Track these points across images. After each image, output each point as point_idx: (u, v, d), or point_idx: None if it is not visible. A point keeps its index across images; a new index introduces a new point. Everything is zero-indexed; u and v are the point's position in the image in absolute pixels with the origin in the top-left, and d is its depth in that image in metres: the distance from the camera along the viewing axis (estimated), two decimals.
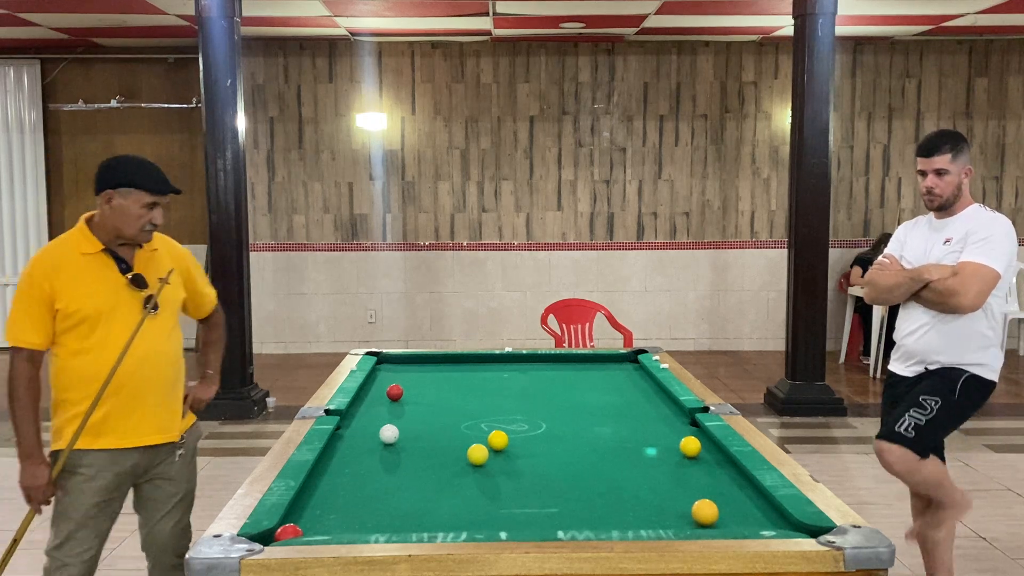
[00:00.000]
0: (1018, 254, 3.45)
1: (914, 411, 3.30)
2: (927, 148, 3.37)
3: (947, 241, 3.36)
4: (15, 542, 3.04)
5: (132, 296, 2.84)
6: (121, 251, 2.87)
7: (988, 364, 3.37)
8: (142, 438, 2.86)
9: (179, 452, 2.96)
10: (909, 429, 3.28)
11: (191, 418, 3.07)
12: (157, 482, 2.96)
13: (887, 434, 3.32)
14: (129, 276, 2.84)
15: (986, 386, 3.39)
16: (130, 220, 2.80)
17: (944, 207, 3.39)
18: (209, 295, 3.19)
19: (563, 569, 1.77)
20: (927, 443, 3.32)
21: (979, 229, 3.30)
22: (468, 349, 4.83)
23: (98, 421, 2.81)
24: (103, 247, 2.84)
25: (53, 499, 2.96)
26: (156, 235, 2.96)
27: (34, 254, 3.01)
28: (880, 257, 3.61)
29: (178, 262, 3.02)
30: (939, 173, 3.34)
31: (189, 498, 3.04)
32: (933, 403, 3.30)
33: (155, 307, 2.84)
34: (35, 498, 2.96)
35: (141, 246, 2.90)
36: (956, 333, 3.34)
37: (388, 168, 9.28)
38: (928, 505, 3.46)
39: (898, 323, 3.55)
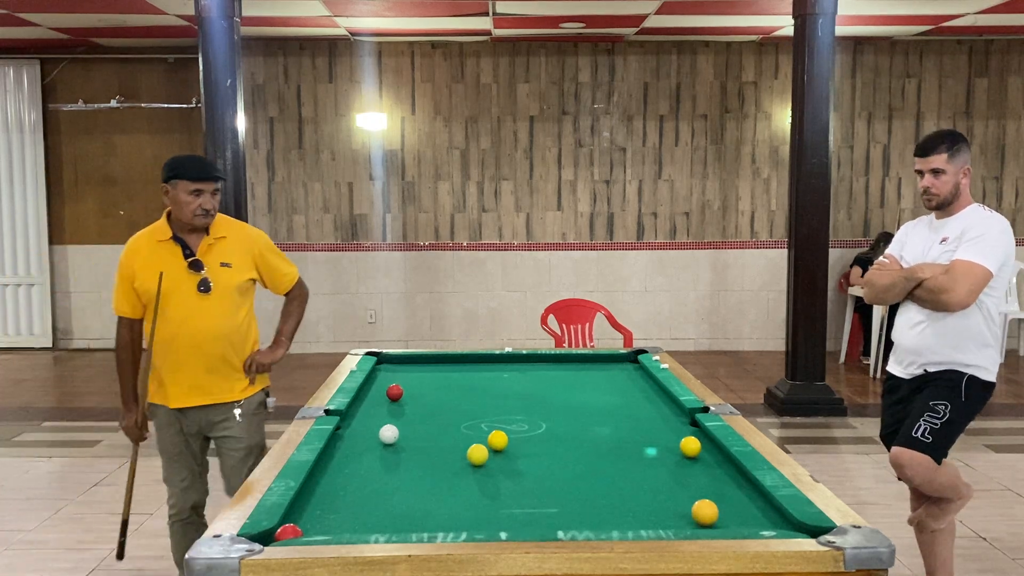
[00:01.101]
0: (1018, 254, 3.44)
1: (928, 416, 3.30)
2: (923, 148, 3.39)
3: (944, 240, 3.37)
4: (133, 472, 3.58)
5: (190, 278, 3.31)
6: (189, 239, 3.35)
7: (985, 366, 3.37)
8: (190, 400, 3.37)
9: (237, 412, 3.44)
10: (926, 434, 3.28)
11: (262, 382, 3.58)
12: (223, 438, 3.45)
13: (905, 442, 3.32)
14: (189, 260, 3.31)
15: (986, 387, 3.40)
16: (182, 207, 3.27)
17: (942, 206, 3.40)
18: (287, 273, 3.59)
19: (563, 569, 1.77)
20: (944, 447, 3.33)
21: (974, 228, 3.31)
22: (468, 349, 4.83)
23: (159, 383, 3.40)
24: (172, 235, 3.34)
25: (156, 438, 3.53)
26: (229, 223, 3.48)
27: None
28: (881, 257, 3.62)
29: (250, 246, 3.46)
30: (935, 173, 3.35)
31: (255, 452, 3.50)
32: (944, 407, 3.30)
33: (207, 288, 3.30)
34: (129, 436, 3.55)
35: (208, 233, 3.36)
36: (951, 331, 3.34)
37: (388, 168, 9.28)
38: (930, 497, 3.45)
39: (895, 321, 3.56)
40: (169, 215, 3.36)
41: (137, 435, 3.50)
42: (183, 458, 3.48)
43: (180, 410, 3.39)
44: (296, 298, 3.67)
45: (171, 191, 3.28)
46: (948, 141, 3.36)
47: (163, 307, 3.29)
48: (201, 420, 3.41)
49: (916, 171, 3.43)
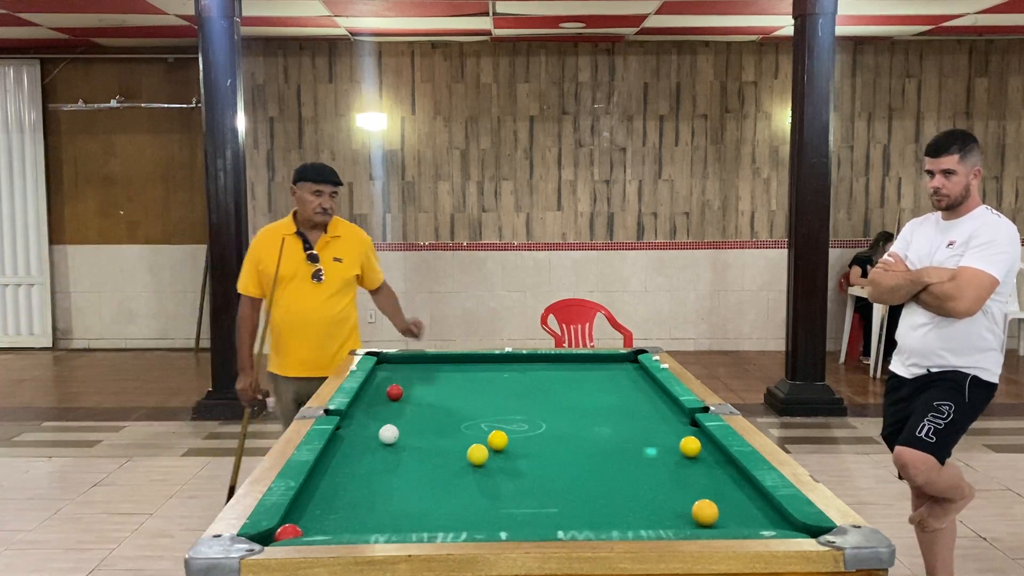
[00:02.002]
0: (1022, 256, 3.44)
1: (932, 416, 3.30)
2: (935, 148, 3.35)
3: (951, 244, 3.35)
4: (243, 439, 3.99)
5: (307, 268, 3.89)
6: (310, 235, 3.93)
7: (988, 368, 3.37)
8: (299, 371, 3.95)
9: None
10: (930, 434, 3.28)
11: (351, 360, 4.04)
12: None
13: (908, 441, 3.31)
14: (308, 253, 3.89)
15: (988, 388, 3.40)
16: (305, 204, 3.89)
17: (951, 207, 3.37)
18: (377, 274, 4.20)
19: (563, 569, 1.77)
20: (947, 447, 3.33)
21: (982, 233, 3.29)
22: (468, 349, 4.82)
23: (278, 355, 4.01)
24: (296, 230, 3.92)
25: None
26: (346, 225, 4.08)
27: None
28: (885, 255, 3.60)
29: (359, 246, 4.07)
30: (947, 174, 3.32)
31: None
32: (948, 407, 3.30)
33: (319, 278, 3.89)
34: (243, 397, 4.04)
35: (326, 231, 3.94)
36: (956, 334, 3.34)
37: (388, 168, 9.28)
38: (931, 496, 3.45)
39: (900, 322, 3.55)
40: (295, 214, 3.97)
41: (251, 396, 4.03)
42: None
43: (293, 379, 3.96)
44: (388, 295, 4.36)
45: (297, 191, 3.90)
46: (960, 142, 3.34)
47: (282, 291, 3.89)
48: (310, 390, 3.60)
49: (926, 171, 3.39)
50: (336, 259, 3.95)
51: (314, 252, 3.90)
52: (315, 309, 3.91)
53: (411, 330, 4.19)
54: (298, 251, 3.90)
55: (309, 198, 3.88)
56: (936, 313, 3.33)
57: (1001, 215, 3.39)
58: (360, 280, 4.13)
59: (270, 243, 3.92)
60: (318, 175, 3.90)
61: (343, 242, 4.00)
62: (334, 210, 3.95)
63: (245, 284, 4.02)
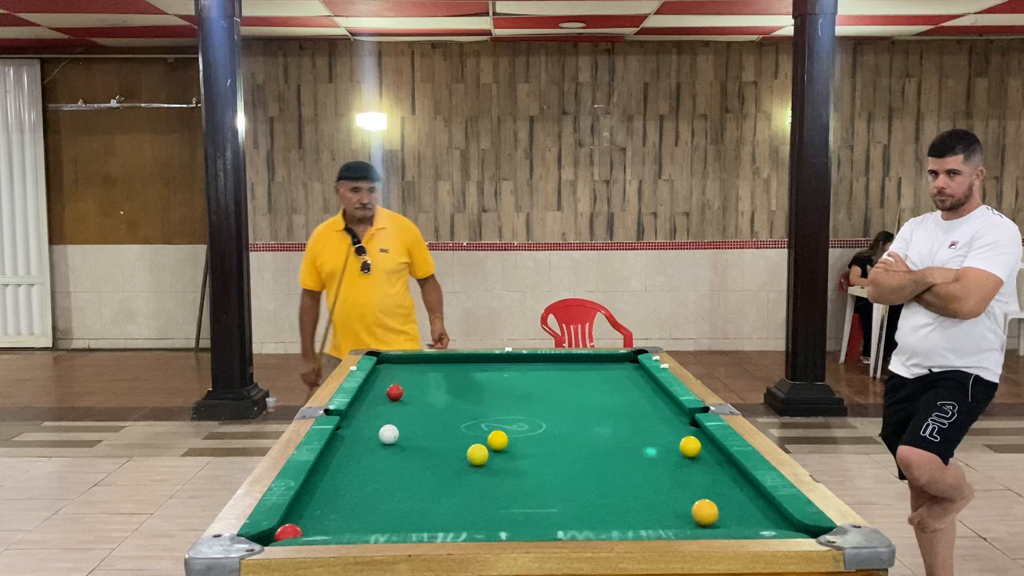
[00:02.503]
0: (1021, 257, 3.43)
1: (936, 416, 3.30)
2: (939, 148, 3.34)
3: (953, 244, 3.34)
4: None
5: (356, 260, 4.23)
6: (357, 229, 4.26)
7: (989, 368, 3.37)
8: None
9: None
10: (934, 433, 3.27)
11: (412, 344, 4.42)
12: None
13: (913, 440, 3.31)
14: (355, 247, 4.22)
15: (990, 387, 3.40)
16: (346, 201, 4.23)
17: (955, 207, 3.37)
18: (426, 265, 4.47)
19: (563, 569, 1.77)
20: (951, 447, 3.33)
21: (985, 234, 3.28)
22: (468, 349, 4.82)
23: (336, 339, 4.34)
24: (345, 226, 4.28)
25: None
26: (391, 216, 4.40)
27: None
28: (885, 255, 3.59)
29: (405, 235, 4.36)
30: (951, 174, 3.32)
31: None
32: (951, 407, 3.30)
33: (367, 269, 4.22)
34: (305, 381, 4.39)
35: (371, 225, 4.26)
36: (958, 335, 3.34)
37: (388, 168, 9.27)
38: (931, 496, 3.45)
39: (900, 322, 3.54)
40: (344, 211, 4.31)
41: (312, 380, 4.35)
42: None
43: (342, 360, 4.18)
44: (433, 289, 4.54)
45: (340, 189, 4.24)
46: (964, 141, 3.33)
47: (337, 282, 4.23)
48: None
49: (930, 171, 3.38)
50: (382, 250, 4.26)
51: (361, 245, 4.23)
52: (366, 298, 4.23)
53: (436, 342, 4.38)
54: (347, 245, 4.24)
55: (349, 195, 4.21)
56: (940, 314, 3.33)
57: (1003, 215, 3.39)
58: (411, 269, 4.42)
59: (323, 240, 4.33)
60: (354, 173, 4.24)
61: (388, 232, 4.30)
62: (374, 204, 4.24)
63: (304, 279, 4.41)
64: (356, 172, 4.24)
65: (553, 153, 9.29)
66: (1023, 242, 3.43)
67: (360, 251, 4.24)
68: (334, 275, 4.25)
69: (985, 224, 3.32)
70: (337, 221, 4.33)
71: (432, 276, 4.54)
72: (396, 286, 4.33)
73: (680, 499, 2.23)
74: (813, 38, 6.51)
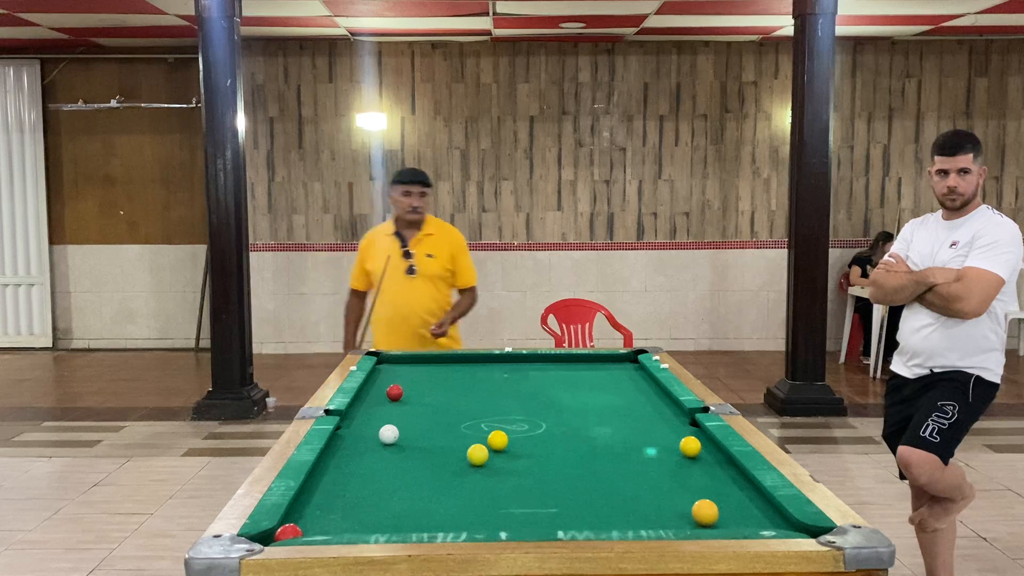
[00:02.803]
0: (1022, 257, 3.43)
1: (936, 416, 3.30)
2: (951, 147, 3.33)
3: (954, 244, 3.34)
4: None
5: (403, 263, 4.40)
6: (406, 234, 4.44)
7: (991, 368, 3.37)
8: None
9: None
10: (934, 434, 3.27)
11: (453, 345, 4.53)
12: None
13: (912, 441, 3.31)
14: (403, 251, 4.40)
15: (991, 388, 3.40)
16: (398, 205, 4.43)
17: (963, 207, 3.37)
18: (465, 277, 4.56)
19: (563, 569, 1.77)
20: (951, 447, 3.32)
21: (986, 234, 3.28)
22: (468, 349, 4.83)
23: (379, 339, 4.50)
24: (395, 230, 4.45)
25: None
26: (439, 224, 4.58)
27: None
28: (886, 256, 3.59)
29: (451, 244, 4.51)
30: (962, 173, 3.31)
31: None
32: (952, 408, 3.30)
33: (413, 272, 4.39)
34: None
35: (420, 229, 4.43)
36: (960, 335, 3.33)
37: (388, 168, 9.27)
38: (932, 497, 3.45)
39: (902, 322, 3.54)
40: (395, 216, 4.49)
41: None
42: None
43: None
44: (467, 297, 4.62)
45: (392, 194, 4.42)
46: (972, 140, 3.34)
47: (384, 284, 4.40)
48: None
49: (939, 171, 3.35)
50: (428, 255, 4.42)
51: (408, 249, 4.41)
52: (411, 301, 4.40)
53: (436, 327, 4.43)
54: (395, 249, 4.42)
55: (400, 199, 4.39)
56: (942, 314, 3.33)
57: (1003, 215, 3.38)
58: (452, 278, 4.53)
59: (375, 243, 4.53)
60: (406, 177, 4.43)
61: (435, 239, 4.47)
62: (424, 209, 4.43)
63: (353, 280, 4.65)
64: (408, 177, 4.43)
65: (553, 153, 9.29)
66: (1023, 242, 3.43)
67: (407, 255, 4.41)
68: (380, 276, 4.42)
69: (986, 224, 3.32)
70: (387, 226, 4.53)
71: (472, 288, 4.62)
72: (440, 291, 4.48)
73: (680, 499, 2.23)
74: (813, 38, 6.51)
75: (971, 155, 3.31)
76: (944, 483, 3.34)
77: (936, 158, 3.38)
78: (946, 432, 3.28)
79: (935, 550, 3.50)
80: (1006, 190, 9.35)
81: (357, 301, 4.67)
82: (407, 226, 4.45)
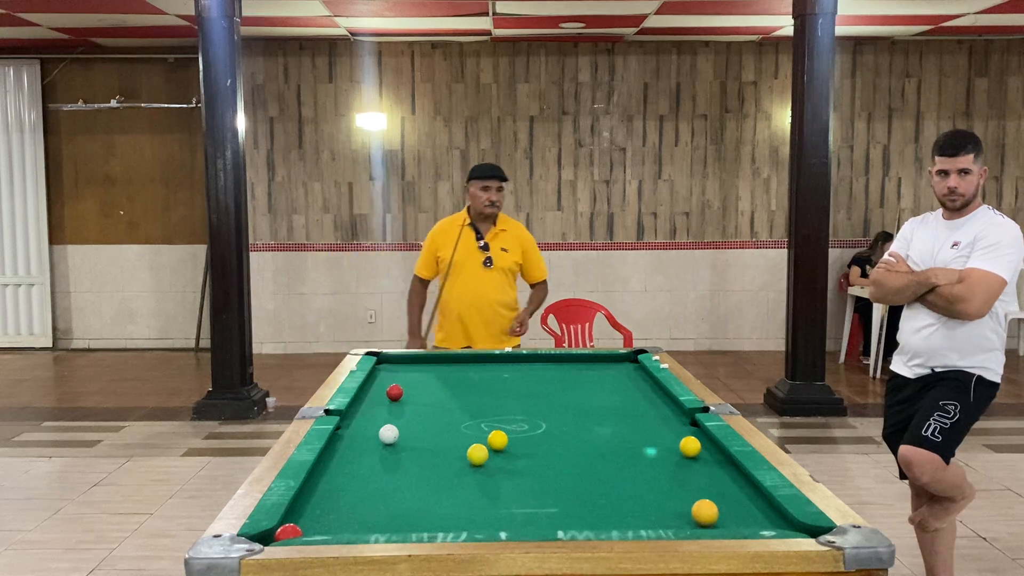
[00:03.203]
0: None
1: (938, 415, 3.29)
2: (952, 147, 3.32)
3: (955, 245, 3.34)
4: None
5: (479, 255, 4.54)
6: (481, 227, 4.60)
7: (992, 367, 3.37)
8: (464, 344, 4.55)
9: None
10: (936, 433, 3.27)
11: (515, 340, 4.64)
12: None
13: (914, 440, 3.31)
14: (480, 243, 4.54)
15: (992, 387, 3.40)
16: (476, 200, 4.55)
17: (963, 207, 3.37)
18: (537, 271, 4.74)
19: (563, 569, 1.77)
20: (952, 447, 3.32)
21: (988, 234, 3.28)
22: (468, 349, 4.82)
23: (448, 330, 4.62)
24: (469, 222, 4.60)
25: None
26: (511, 221, 4.70)
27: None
28: (886, 255, 3.59)
29: (522, 240, 4.68)
30: (963, 173, 3.31)
31: None
32: (954, 407, 3.30)
33: (490, 264, 4.53)
34: None
35: (495, 224, 4.59)
36: (961, 335, 3.33)
37: (388, 168, 9.27)
38: (932, 496, 3.45)
39: (902, 322, 3.54)
40: (468, 208, 4.63)
41: (419, 345, 4.64)
42: None
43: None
44: (539, 291, 4.80)
45: (470, 189, 4.56)
46: (973, 141, 3.34)
47: (457, 274, 4.54)
48: None
49: (940, 171, 3.35)
50: (503, 249, 4.57)
51: (485, 242, 4.55)
52: (485, 292, 4.53)
53: (518, 326, 4.59)
54: (471, 241, 4.56)
55: (479, 194, 4.52)
56: (944, 315, 3.33)
57: (1004, 215, 3.38)
58: (522, 272, 4.70)
59: (447, 233, 4.64)
60: (484, 173, 4.55)
61: (509, 235, 4.63)
62: (501, 203, 4.58)
63: (421, 268, 4.77)
64: (486, 172, 4.56)
65: (553, 153, 9.29)
66: None
67: (484, 247, 4.56)
68: (456, 267, 4.55)
69: (988, 224, 3.31)
70: (461, 217, 4.66)
71: (544, 282, 4.78)
72: (511, 284, 4.63)
73: (680, 499, 2.23)
74: (813, 38, 6.51)
75: (972, 155, 3.31)
76: (946, 483, 3.34)
77: (937, 158, 3.37)
78: (948, 432, 3.28)
79: (935, 550, 3.50)
80: (1006, 190, 9.35)
81: (422, 288, 4.81)
82: (482, 219, 4.59)
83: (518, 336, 4.63)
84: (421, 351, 4.48)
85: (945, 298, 3.27)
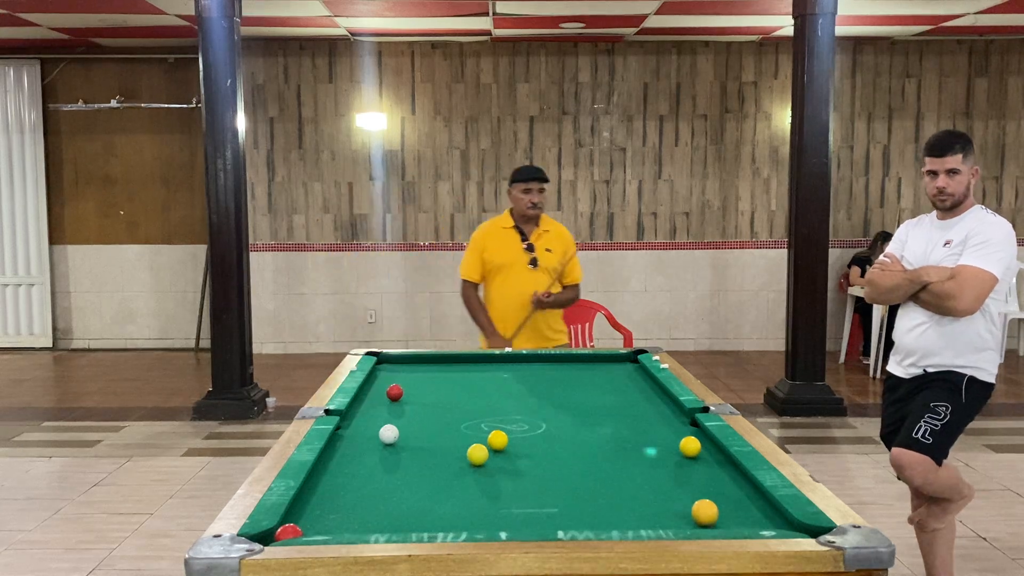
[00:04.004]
0: (1019, 255, 3.45)
1: (928, 417, 3.30)
2: (939, 148, 3.34)
3: (947, 243, 3.36)
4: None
5: (524, 256, 4.62)
6: (525, 228, 4.66)
7: (984, 367, 3.37)
8: (513, 343, 4.58)
9: None
10: (927, 435, 3.27)
11: (559, 340, 4.75)
12: None
13: (905, 442, 3.31)
14: (524, 244, 4.62)
15: (985, 388, 3.39)
16: (518, 201, 4.62)
17: (954, 207, 3.38)
18: (574, 274, 4.77)
19: (563, 569, 1.77)
20: (944, 448, 3.32)
21: (979, 232, 3.29)
22: (468, 349, 4.83)
23: (497, 329, 4.67)
24: (513, 224, 4.67)
25: None
26: (554, 222, 4.78)
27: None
28: (881, 256, 3.61)
29: (564, 242, 4.75)
30: (951, 173, 3.32)
31: None
32: (944, 408, 3.30)
33: (535, 264, 4.61)
34: (494, 344, 4.61)
35: (538, 225, 4.66)
36: (953, 333, 3.34)
37: (388, 168, 9.27)
38: (930, 497, 3.45)
39: (897, 322, 3.55)
40: (511, 210, 4.71)
41: (502, 343, 4.60)
42: None
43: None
44: (572, 291, 4.82)
45: (512, 191, 4.64)
46: (961, 141, 3.35)
47: (505, 275, 4.61)
48: None
49: (929, 171, 3.38)
50: (547, 249, 4.66)
51: (531, 243, 4.63)
52: (530, 292, 4.56)
53: (542, 294, 4.59)
54: (516, 242, 4.64)
55: (520, 196, 4.59)
56: (935, 312, 3.34)
57: (996, 214, 3.40)
58: (561, 273, 4.72)
59: (491, 235, 4.72)
60: (525, 175, 4.63)
61: (552, 236, 4.72)
62: (543, 204, 4.66)
63: (468, 271, 4.77)
64: (527, 175, 4.62)
65: (553, 153, 9.29)
66: (1017, 241, 3.44)
67: (529, 248, 4.64)
68: (503, 268, 4.61)
69: (979, 223, 3.33)
70: (504, 219, 4.73)
71: (576, 286, 4.82)
72: (556, 285, 4.68)
73: (680, 499, 2.23)
74: (813, 38, 6.51)
75: (960, 155, 3.32)
76: (938, 484, 3.34)
77: (925, 159, 3.40)
78: (939, 433, 3.28)
79: (934, 550, 3.51)
80: (1006, 190, 9.35)
81: (474, 290, 4.84)
82: (526, 221, 4.66)
83: (540, 305, 4.61)
84: (422, 352, 4.47)
85: (936, 294, 3.29)
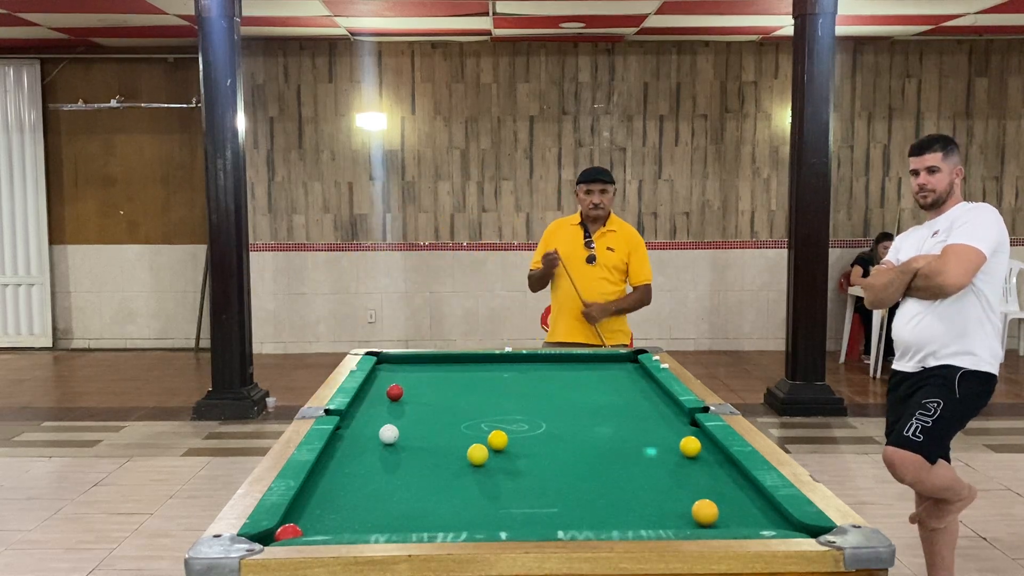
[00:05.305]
0: (1016, 252, 3.47)
1: (919, 415, 3.30)
2: (918, 147, 3.48)
3: (935, 234, 3.43)
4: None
5: (583, 252, 4.69)
6: (591, 227, 4.75)
7: (982, 355, 3.34)
8: (567, 337, 4.70)
9: None
10: (917, 433, 3.27)
11: (621, 339, 4.76)
12: None
13: (896, 441, 3.31)
14: (586, 241, 4.71)
15: (985, 380, 3.36)
16: (582, 203, 4.75)
17: (936, 204, 3.45)
18: (641, 274, 4.78)
19: (563, 569, 1.77)
20: (936, 447, 3.30)
21: (963, 217, 3.36)
22: (468, 349, 4.83)
23: (554, 326, 4.80)
24: (580, 222, 4.79)
25: None
26: (622, 224, 4.83)
27: None
28: (879, 265, 3.66)
29: (629, 242, 4.77)
30: (931, 170, 3.42)
31: None
32: (935, 405, 3.29)
33: (592, 260, 4.67)
34: (548, 257, 4.69)
35: (604, 224, 4.74)
36: (949, 319, 3.34)
37: (388, 168, 9.27)
38: (932, 497, 3.45)
39: (895, 319, 3.57)
40: (581, 211, 4.82)
41: (554, 259, 4.67)
42: None
43: (560, 344, 4.70)
44: (638, 291, 4.81)
45: (577, 192, 4.76)
46: (942, 140, 3.46)
47: (565, 270, 4.67)
48: None
49: (911, 171, 3.50)
50: (609, 248, 4.70)
51: (591, 240, 4.71)
52: (587, 287, 4.63)
53: (586, 306, 4.62)
54: (579, 238, 4.73)
55: (583, 197, 4.70)
56: (928, 297, 3.35)
57: (980, 203, 3.50)
58: (627, 273, 4.78)
59: (560, 230, 4.86)
60: (588, 176, 4.72)
61: (617, 236, 4.75)
62: (606, 204, 4.70)
63: (535, 261, 4.88)
64: (589, 176, 4.71)
65: (553, 153, 9.29)
66: (1013, 240, 3.47)
67: (589, 245, 4.71)
68: (567, 261, 4.68)
69: (964, 212, 3.41)
70: (575, 217, 4.86)
71: (646, 286, 4.80)
72: (615, 283, 4.73)
73: (680, 499, 2.23)
74: (813, 38, 6.51)
75: (939, 153, 3.42)
76: (931, 483, 3.33)
77: (909, 160, 3.52)
78: (929, 430, 3.27)
79: (935, 549, 3.50)
80: (1006, 190, 9.35)
81: (538, 281, 4.93)
82: (592, 220, 4.75)
83: (586, 318, 4.61)
84: (422, 351, 4.47)
85: (925, 275, 3.32)
